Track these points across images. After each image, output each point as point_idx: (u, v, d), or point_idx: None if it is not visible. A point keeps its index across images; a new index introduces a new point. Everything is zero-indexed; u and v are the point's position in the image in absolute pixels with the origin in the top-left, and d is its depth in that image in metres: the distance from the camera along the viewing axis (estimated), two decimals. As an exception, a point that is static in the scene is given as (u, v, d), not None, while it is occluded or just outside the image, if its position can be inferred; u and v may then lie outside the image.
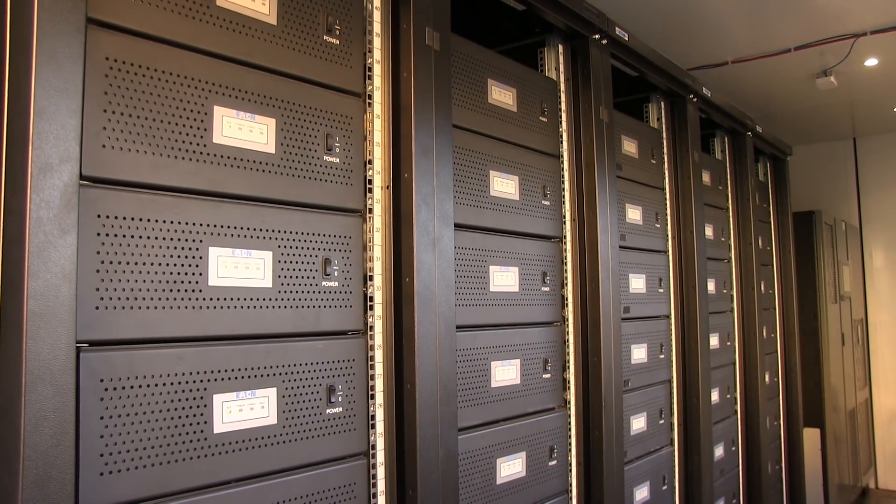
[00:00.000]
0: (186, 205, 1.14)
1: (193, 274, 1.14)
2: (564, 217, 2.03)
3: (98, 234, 1.03)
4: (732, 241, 3.27)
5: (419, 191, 1.46)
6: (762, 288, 3.49)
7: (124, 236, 1.06)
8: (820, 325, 5.19)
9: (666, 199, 2.64)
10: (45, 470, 0.92)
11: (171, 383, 1.10)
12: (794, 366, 3.92)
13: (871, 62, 3.86)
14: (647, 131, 2.57)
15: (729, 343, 3.16)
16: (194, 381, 1.13)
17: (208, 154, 1.17)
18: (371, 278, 1.44)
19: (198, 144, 1.16)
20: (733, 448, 3.16)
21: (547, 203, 1.94)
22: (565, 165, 2.05)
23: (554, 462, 1.92)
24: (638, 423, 2.34)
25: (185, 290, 1.12)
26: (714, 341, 2.93)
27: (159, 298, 1.09)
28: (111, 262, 1.04)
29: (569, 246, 2.04)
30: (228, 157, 1.20)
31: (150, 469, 1.07)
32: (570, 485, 2.00)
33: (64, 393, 0.95)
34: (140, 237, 1.07)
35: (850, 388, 5.83)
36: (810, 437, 4.91)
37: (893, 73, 4.09)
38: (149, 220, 1.09)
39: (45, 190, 0.94)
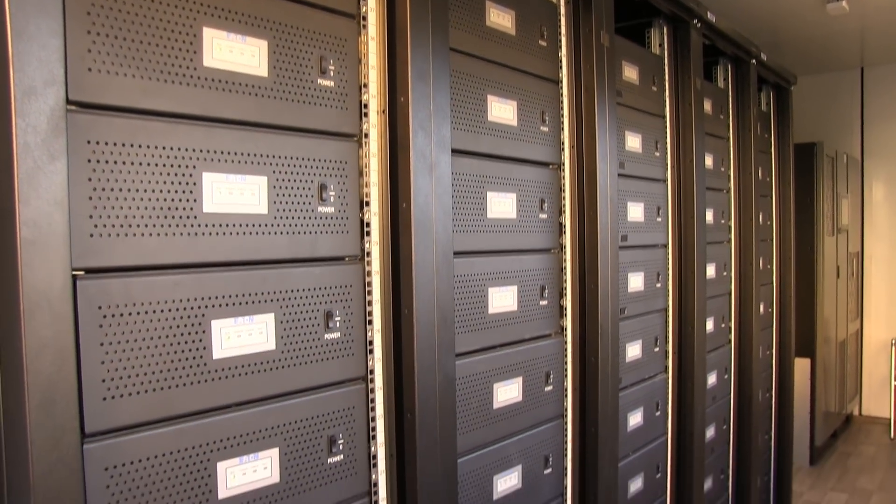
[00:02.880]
0: (178, 130, 1.12)
1: (188, 200, 1.12)
2: (563, 143, 2.01)
3: (89, 161, 1.01)
4: (732, 171, 3.25)
5: (415, 115, 1.44)
6: (760, 219, 3.49)
7: (115, 162, 1.04)
8: (816, 258, 5.21)
9: (666, 127, 2.61)
10: (49, 395, 0.93)
11: (169, 310, 1.10)
12: (789, 297, 3.95)
13: (884, -15, 3.77)
14: (648, 57, 2.52)
15: (725, 273, 3.17)
16: (192, 308, 1.13)
17: (199, 78, 1.14)
18: (367, 204, 1.43)
19: (187, 68, 1.13)
20: (726, 376, 3.21)
21: (545, 129, 1.92)
22: (564, 91, 2.02)
23: (550, 387, 1.95)
24: (633, 351, 2.37)
25: (180, 217, 1.11)
26: (710, 271, 2.94)
27: (154, 225, 1.08)
28: (104, 189, 1.02)
29: (567, 173, 2.02)
30: (220, 81, 1.17)
31: (152, 394, 1.08)
32: (566, 409, 2.03)
33: (62, 320, 0.95)
34: (132, 163, 1.06)
35: (842, 320, 5.90)
36: (801, 366, 4.99)
37: (905, -2, 3.99)
38: (140, 146, 1.07)
39: (31, 114, 0.92)
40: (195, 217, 1.13)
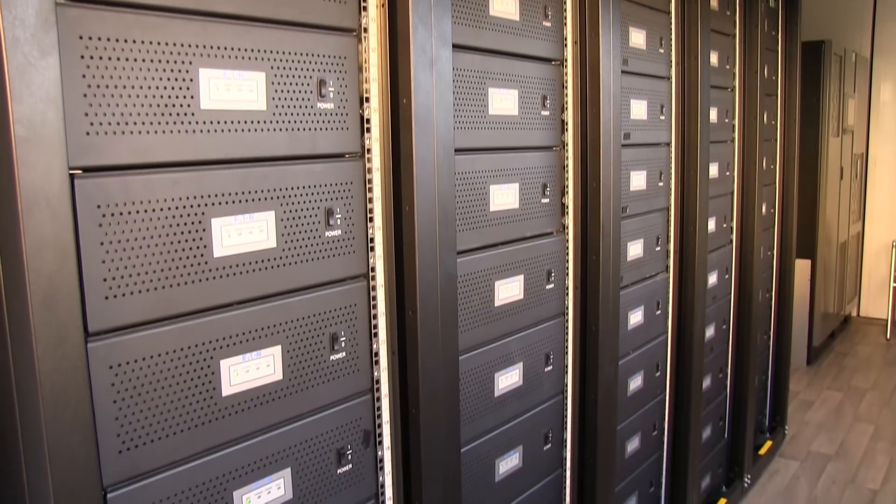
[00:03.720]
0: (172, 24, 1.08)
1: (185, 97, 1.10)
2: (566, 39, 1.96)
3: (82, 57, 0.98)
4: (737, 69, 3.19)
5: (415, 9, 1.40)
6: (765, 119, 3.44)
7: (110, 59, 1.01)
8: (820, 159, 5.18)
9: (671, 23, 2.54)
10: (51, 293, 0.94)
11: (169, 208, 1.09)
12: (792, 198, 3.94)
13: None
14: (654, -51, 2.43)
15: (728, 173, 3.15)
16: (191, 206, 1.12)
17: (191, -32, 1.10)
18: (367, 100, 1.40)
19: (179, -42, 1.09)
20: (726, 276, 3.23)
21: (548, 24, 1.87)
22: (568, -15, 1.96)
23: (551, 285, 1.96)
24: (635, 250, 2.38)
25: (177, 114, 1.10)
26: (713, 171, 2.92)
27: (151, 123, 1.06)
28: (98, 86, 1.00)
29: (570, 69, 1.98)
30: (213, -28, 1.13)
31: (154, 293, 1.08)
32: (567, 307, 2.05)
33: (61, 219, 0.95)
34: (127, 59, 1.03)
35: (844, 222, 5.92)
36: (801, 267, 5.03)
37: None
38: (134, 42, 1.04)
39: (18, 6, 0.89)
40: (192, 114, 1.11)
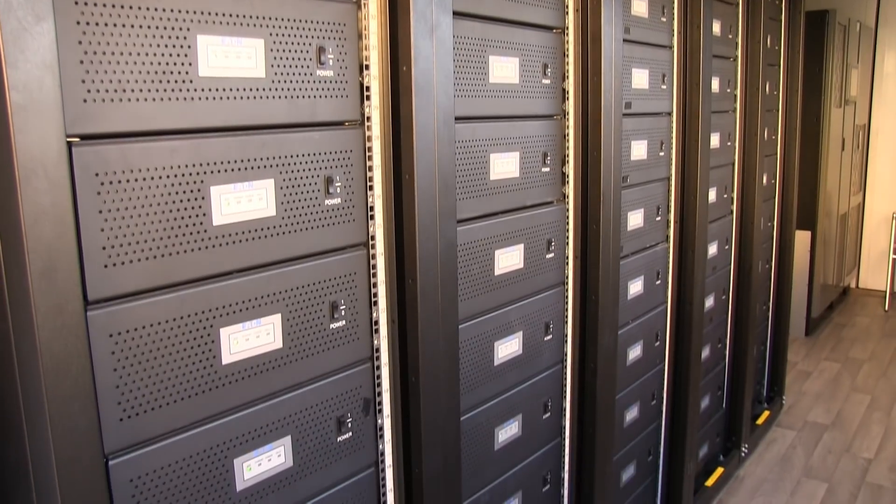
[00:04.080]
0: (168, -10, 1.07)
1: (182, 64, 1.09)
2: (567, 6, 1.93)
3: (78, 23, 0.97)
4: (740, 38, 3.16)
5: (414, -26, 1.38)
6: (767, 89, 3.42)
7: (106, 24, 1.00)
8: (822, 130, 5.16)
9: (674, -10, 2.52)
10: (50, 262, 0.93)
11: (167, 176, 1.08)
12: (793, 169, 3.93)
13: None
14: (657, -85, 2.39)
15: (729, 143, 3.13)
16: (190, 174, 1.11)
17: (185, -67, 1.09)
18: (367, 67, 1.39)
19: (175, -79, 1.07)
20: (726, 247, 3.23)
21: (549, -9, 1.85)
22: (569, -49, 1.93)
23: (551, 255, 1.96)
24: (635, 219, 2.37)
25: (175, 81, 1.08)
26: (714, 141, 2.91)
27: (149, 90, 1.05)
28: (95, 53, 0.99)
29: (571, 37, 1.95)
30: (208, -64, 1.11)
31: (154, 261, 1.08)
32: (567, 277, 2.05)
33: (59, 187, 0.94)
34: (123, 25, 1.02)
35: (845, 193, 5.90)
36: (801, 239, 5.03)
37: None
38: (131, 7, 1.02)
39: (10, -30, 0.88)
40: (191, 81, 1.10)
